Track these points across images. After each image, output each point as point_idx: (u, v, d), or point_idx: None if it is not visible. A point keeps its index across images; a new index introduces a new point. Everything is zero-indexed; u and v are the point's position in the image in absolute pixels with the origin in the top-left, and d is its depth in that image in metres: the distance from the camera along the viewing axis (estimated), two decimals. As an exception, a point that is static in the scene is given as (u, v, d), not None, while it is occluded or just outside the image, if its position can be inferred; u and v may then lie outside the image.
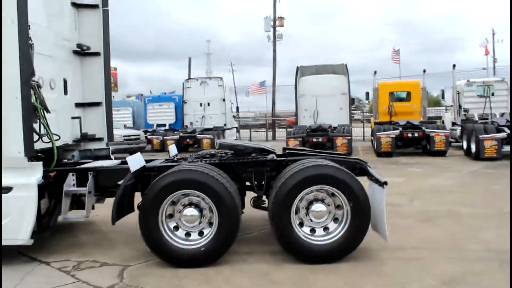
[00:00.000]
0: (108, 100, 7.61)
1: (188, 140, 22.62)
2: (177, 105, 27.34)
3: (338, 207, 5.26)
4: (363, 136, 28.82)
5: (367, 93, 24.05)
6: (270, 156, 5.98)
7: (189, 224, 5.25)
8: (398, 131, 17.63)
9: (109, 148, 7.51)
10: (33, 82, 5.43)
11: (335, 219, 5.28)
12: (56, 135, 5.98)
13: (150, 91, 34.35)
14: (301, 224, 5.27)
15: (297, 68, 21.10)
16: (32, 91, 5.38)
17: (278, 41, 31.01)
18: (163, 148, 22.70)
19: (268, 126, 31.42)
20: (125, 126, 24.52)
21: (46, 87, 6.25)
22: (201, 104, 25.49)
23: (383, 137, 17.44)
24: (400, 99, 20.56)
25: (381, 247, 5.59)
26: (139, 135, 22.15)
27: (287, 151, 6.47)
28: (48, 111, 5.66)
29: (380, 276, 4.79)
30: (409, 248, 5.73)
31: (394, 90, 20.70)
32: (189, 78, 26.69)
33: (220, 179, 5.14)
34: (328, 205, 5.26)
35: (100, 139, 7.56)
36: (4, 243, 5.31)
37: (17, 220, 5.27)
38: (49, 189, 5.79)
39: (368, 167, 5.81)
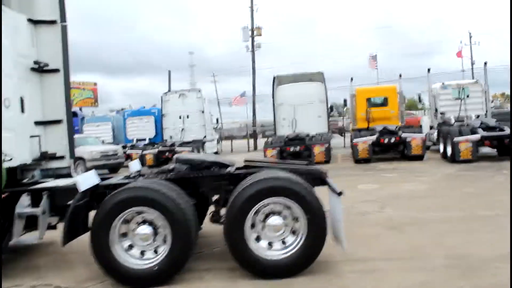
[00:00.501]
0: (69, 117, 7.48)
1: (167, 153, 22.48)
2: (156, 118, 27.19)
3: (295, 219, 5.18)
4: (344, 144, 28.87)
5: (345, 100, 24.14)
6: (227, 170, 5.90)
7: (143, 242, 5.14)
8: (374, 137, 17.69)
9: (69, 167, 7.37)
10: (-22, 103, 5.29)
11: (293, 232, 5.19)
12: (6, 154, 5.83)
13: (130, 106, 34.14)
14: (258, 239, 5.18)
15: (274, 77, 21.15)
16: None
17: (257, 51, 31.18)
18: (143, 162, 22.50)
19: (250, 136, 31.41)
20: (103, 142, 24.24)
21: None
22: (180, 117, 25.40)
23: (360, 144, 17.49)
24: (378, 105, 20.65)
25: (344, 258, 5.54)
26: (117, 150, 21.92)
27: (246, 163, 6.39)
28: None
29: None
30: (371, 260, 5.64)
31: (371, 96, 20.78)
32: (168, 91, 26.57)
33: (171, 195, 5.04)
34: (285, 218, 5.18)
35: (62, 158, 7.40)
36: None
37: (-36, 245, 5.12)
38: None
39: (326, 177, 5.75)
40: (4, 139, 5.96)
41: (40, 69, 7.11)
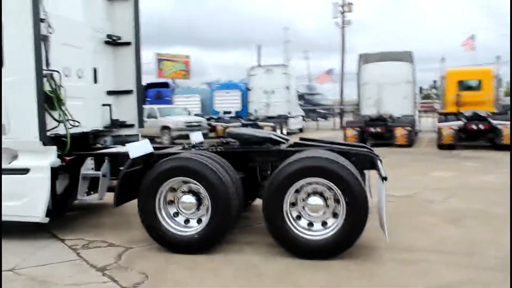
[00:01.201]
0: (139, 88, 7.89)
1: (249, 127, 22.83)
2: (243, 92, 27.68)
3: (337, 201, 5.11)
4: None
5: (434, 82, 22.95)
6: (277, 147, 5.95)
7: (187, 211, 5.38)
8: (461, 122, 16.66)
9: (138, 134, 7.80)
10: (48, 72, 5.76)
11: (335, 214, 5.14)
12: (76, 121, 6.32)
13: (218, 79, 35.02)
14: (299, 217, 5.20)
15: (360, 55, 20.55)
16: (46, 80, 5.72)
17: (347, 27, 30.35)
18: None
19: (336, 114, 31.01)
20: (189, 113, 25.20)
21: (73, 76, 6.63)
22: (265, 92, 25.67)
23: (444, 129, 16.57)
24: (470, 88, 19.32)
25: (390, 246, 5.36)
26: (201, 121, 22.72)
27: (299, 141, 6.38)
28: (61, 100, 5.97)
29: (369, 277, 4.59)
30: (417, 250, 5.40)
31: (463, 78, 19.46)
32: (254, 66, 26.88)
33: (214, 168, 5.19)
34: (327, 199, 5.14)
35: (131, 126, 7.88)
36: (23, 219, 5.81)
37: (33, 199, 5.71)
38: (68, 172, 6.18)
39: (377, 161, 5.59)
40: (75, 106, 6.48)
41: (113, 42, 7.55)
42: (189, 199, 5.34)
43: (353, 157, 5.57)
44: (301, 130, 28.49)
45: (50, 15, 5.96)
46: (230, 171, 5.43)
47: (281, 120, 24.52)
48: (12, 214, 5.80)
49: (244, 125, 22.88)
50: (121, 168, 5.84)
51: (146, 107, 24.62)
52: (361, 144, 6.43)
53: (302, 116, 29.84)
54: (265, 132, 6.82)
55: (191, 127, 21.30)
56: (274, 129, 22.18)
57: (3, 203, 5.79)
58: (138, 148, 5.75)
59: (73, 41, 6.63)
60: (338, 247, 5.03)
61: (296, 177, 5.03)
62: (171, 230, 5.33)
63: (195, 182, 5.27)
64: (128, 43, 7.70)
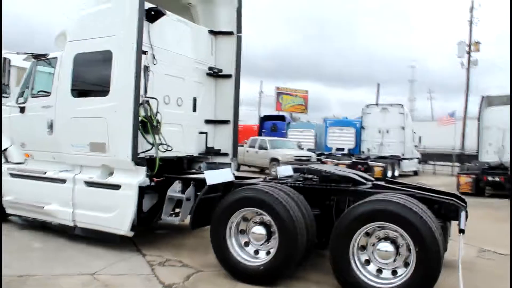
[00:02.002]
0: (235, 119, 8.25)
1: (359, 166, 22.34)
2: (357, 130, 27.24)
3: (409, 250, 4.83)
4: None
5: None
6: (355, 186, 5.82)
7: (257, 242, 5.46)
8: None
9: (230, 163, 8.10)
10: (144, 99, 6.30)
11: (406, 264, 4.86)
12: (169, 146, 6.77)
13: (333, 115, 34.93)
14: (368, 262, 5.00)
15: (483, 97, 19.22)
16: (142, 107, 6.25)
17: (473, 68, 28.55)
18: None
19: (456, 159, 29.10)
20: (300, 147, 25.39)
21: (173, 104, 7.18)
22: (379, 131, 25.07)
23: None
24: None
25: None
26: (310, 156, 22.76)
27: (378, 182, 6.16)
28: (154, 126, 6.46)
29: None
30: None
31: None
32: (370, 104, 26.40)
33: (285, 202, 5.22)
34: (399, 246, 4.89)
35: (225, 154, 8.22)
36: (111, 231, 6.37)
37: (121, 213, 6.24)
38: (156, 192, 6.63)
39: (462, 211, 5.21)
40: (172, 132, 6.99)
41: (214, 74, 8.02)
42: (260, 230, 5.42)
43: (435, 205, 5.28)
44: (415, 173, 27.18)
45: (156, 48, 6.57)
46: (303, 207, 5.42)
47: (393, 161, 23.65)
48: (104, 224, 6.40)
49: (354, 163, 22.50)
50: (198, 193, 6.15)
51: (258, 138, 25.42)
52: (452, 193, 6.01)
53: (418, 158, 28.50)
54: (348, 170, 6.69)
55: (301, 161, 21.43)
56: (384, 169, 21.46)
57: (98, 215, 6.41)
58: (217, 176, 6.00)
59: (176, 72, 7.19)
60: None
61: (365, 219, 4.86)
62: (239, 258, 5.44)
63: (265, 214, 5.35)
64: (229, 76, 8.13)
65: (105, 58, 6.40)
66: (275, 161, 21.88)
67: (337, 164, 23.03)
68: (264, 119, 33.99)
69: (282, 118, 34.44)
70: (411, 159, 26.15)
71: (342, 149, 27.11)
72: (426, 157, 30.51)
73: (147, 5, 6.42)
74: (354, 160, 22.99)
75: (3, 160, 7.93)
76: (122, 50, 6.23)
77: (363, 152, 25.36)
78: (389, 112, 24.99)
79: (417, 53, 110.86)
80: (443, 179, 23.15)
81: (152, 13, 6.57)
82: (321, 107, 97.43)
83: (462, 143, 29.71)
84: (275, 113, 36.93)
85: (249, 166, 24.30)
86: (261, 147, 23.32)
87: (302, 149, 25.62)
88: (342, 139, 27.81)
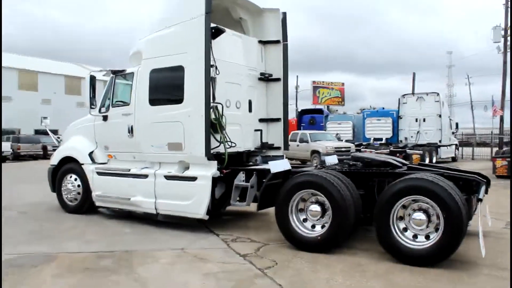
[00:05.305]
0: (285, 116, 9.44)
1: (398, 154, 23.10)
2: (394, 120, 27.92)
3: (438, 217, 5.91)
4: None
5: None
6: (393, 169, 6.92)
7: (313, 217, 6.64)
8: None
9: (283, 155, 9.30)
10: (213, 104, 7.56)
11: (437, 229, 5.93)
12: (233, 142, 8.03)
13: (370, 106, 35.62)
14: (405, 229, 6.10)
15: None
16: (212, 111, 7.51)
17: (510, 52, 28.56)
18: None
19: (495, 144, 29.39)
20: (339, 139, 26.35)
21: (233, 107, 8.43)
22: (416, 120, 25.78)
23: None
24: None
25: (490, 264, 5.92)
26: (350, 147, 23.70)
27: (411, 165, 7.23)
28: (222, 126, 7.71)
29: (457, 284, 5.29)
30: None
31: None
32: (406, 94, 27.07)
33: (337, 184, 6.38)
34: (430, 215, 5.97)
35: (278, 148, 9.44)
36: (190, 215, 7.69)
37: (198, 200, 7.52)
38: (224, 182, 7.89)
39: (482, 185, 6.25)
40: (233, 131, 8.23)
41: (265, 78, 9.24)
42: (316, 208, 6.60)
43: (460, 181, 6.33)
44: (454, 159, 27.72)
45: (218, 60, 7.79)
46: (350, 188, 6.57)
47: (430, 148, 24.34)
48: (183, 211, 7.72)
49: (392, 152, 23.30)
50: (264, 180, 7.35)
51: (299, 132, 26.50)
52: (476, 172, 6.99)
53: (456, 144, 28.98)
54: (385, 156, 7.78)
55: (340, 152, 22.43)
56: (422, 156, 22.23)
57: (178, 203, 7.71)
58: (279, 165, 7.21)
59: (234, 79, 8.43)
60: (436, 257, 5.82)
61: (401, 194, 5.98)
62: (300, 232, 6.64)
63: (320, 194, 6.53)
64: (278, 79, 9.33)
65: (178, 72, 7.70)
66: (316, 153, 22.99)
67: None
68: (302, 113, 35.06)
69: (319, 111, 35.43)
70: (449, 145, 26.72)
71: (380, 139, 27.88)
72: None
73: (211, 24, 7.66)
74: (392, 149, 23.78)
75: (90, 161, 9.38)
76: (193, 65, 7.51)
77: (401, 141, 26.15)
78: (425, 101, 25.66)
79: (450, 39, 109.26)
80: (481, 164, 23.67)
81: (213, 31, 7.79)
82: (356, 97, 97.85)
83: (500, 127, 29.92)
84: (312, 106, 37.84)
85: (291, 159, 25.40)
86: (302, 141, 24.41)
87: (341, 140, 26.51)
88: (379, 129, 28.56)
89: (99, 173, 9.18)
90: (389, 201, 6.05)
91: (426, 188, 5.85)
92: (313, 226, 6.70)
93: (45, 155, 31.26)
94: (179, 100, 7.73)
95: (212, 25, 7.68)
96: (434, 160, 23.56)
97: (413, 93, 29.20)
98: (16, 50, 45.36)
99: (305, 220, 6.75)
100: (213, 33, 7.75)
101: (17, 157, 30.84)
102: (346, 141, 27.29)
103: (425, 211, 5.98)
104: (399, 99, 26.53)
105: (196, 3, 7.49)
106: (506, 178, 15.69)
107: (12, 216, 9.29)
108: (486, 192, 6.28)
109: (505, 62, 29.00)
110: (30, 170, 22.22)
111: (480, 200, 5.81)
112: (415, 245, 5.97)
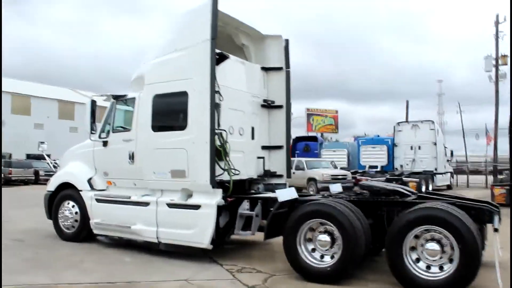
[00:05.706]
0: (287, 144, 9.33)
1: (393, 182, 23.06)
2: (389, 147, 27.96)
3: (452, 248, 5.76)
4: None
5: None
6: (402, 198, 6.79)
7: (322, 247, 6.46)
8: None
9: (285, 183, 9.16)
10: (218, 131, 7.43)
11: (451, 260, 5.79)
12: (236, 170, 7.88)
13: (365, 133, 35.73)
14: (418, 260, 5.95)
15: (512, 111, 19.85)
16: (217, 137, 7.38)
17: (502, 81, 29.08)
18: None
19: (489, 172, 29.49)
20: (335, 166, 26.27)
21: (236, 134, 8.31)
22: (411, 148, 25.82)
23: None
24: None
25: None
26: (346, 175, 23.63)
27: (421, 194, 7.11)
28: (227, 153, 7.58)
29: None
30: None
31: None
32: (401, 122, 27.21)
33: (347, 213, 6.23)
34: (444, 245, 5.82)
35: (280, 176, 9.29)
36: (193, 245, 7.45)
37: (201, 229, 7.32)
38: (228, 210, 7.70)
39: (495, 215, 6.13)
40: (236, 158, 8.08)
41: (268, 105, 9.15)
42: (325, 237, 6.43)
43: (472, 211, 6.21)
44: (449, 187, 27.69)
45: (221, 87, 7.69)
46: (360, 217, 6.42)
47: (426, 176, 24.31)
48: (187, 240, 7.50)
49: (388, 180, 23.21)
50: (271, 209, 7.18)
51: (295, 159, 26.35)
52: (485, 201, 6.90)
53: (451, 172, 29.01)
54: (394, 185, 7.66)
55: (337, 179, 22.32)
56: (418, 185, 22.14)
57: (181, 231, 7.49)
58: (286, 194, 7.05)
59: (237, 105, 8.33)
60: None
61: (413, 224, 5.85)
62: (308, 262, 6.45)
63: (330, 224, 6.37)
64: (280, 106, 9.25)
65: (182, 97, 7.59)
66: (312, 180, 22.84)
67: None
68: (296, 140, 35.02)
69: (314, 138, 35.46)
70: (444, 173, 26.73)
71: (376, 167, 27.83)
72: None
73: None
74: (388, 176, 23.69)
75: (88, 187, 9.16)
76: (197, 91, 7.40)
77: (396, 168, 26.12)
78: (420, 129, 25.76)
79: (441, 68, 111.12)
80: (477, 191, 23.65)
81: (217, 57, 7.72)
82: (348, 125, 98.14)
83: (494, 155, 30.08)
84: (307, 134, 37.92)
85: (286, 186, 25.25)
86: (298, 168, 24.26)
87: (337, 168, 26.43)
88: (375, 156, 28.55)
89: (98, 200, 8.95)
90: (401, 231, 5.91)
91: (440, 218, 5.72)
92: (322, 257, 6.51)
93: (37, 180, 30.86)
94: (182, 126, 7.61)
95: (217, 51, 7.62)
96: (430, 188, 23.47)
97: (407, 121, 29.35)
98: (8, 74, 45.26)
99: (313, 250, 6.57)
100: (217, 59, 7.68)
101: (8, 182, 30.37)
102: (342, 168, 27.22)
103: (438, 241, 5.84)
104: (394, 127, 26.65)
105: (201, 28, 7.43)
106: (504, 206, 15.58)
107: (7, 244, 8.99)
108: (499, 221, 6.15)
109: (497, 91, 29.35)
110: (22, 195, 21.81)
111: (496, 230, 5.68)
112: (430, 276, 5.80)
